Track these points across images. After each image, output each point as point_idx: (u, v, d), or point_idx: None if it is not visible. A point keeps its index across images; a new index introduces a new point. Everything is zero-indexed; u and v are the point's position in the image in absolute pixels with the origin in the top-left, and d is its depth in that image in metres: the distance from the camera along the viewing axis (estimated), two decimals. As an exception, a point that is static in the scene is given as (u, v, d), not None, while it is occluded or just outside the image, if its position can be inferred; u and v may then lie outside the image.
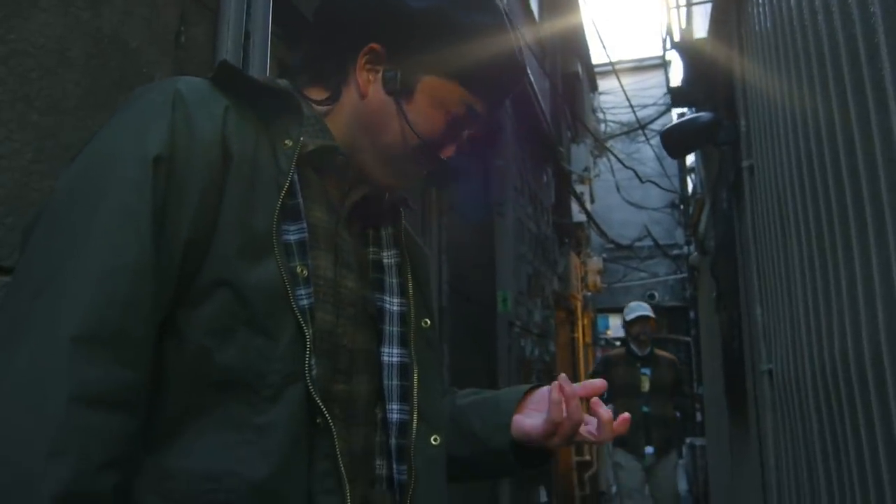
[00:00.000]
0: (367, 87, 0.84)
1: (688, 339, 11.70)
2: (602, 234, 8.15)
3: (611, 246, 11.79)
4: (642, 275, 13.27)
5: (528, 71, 4.50)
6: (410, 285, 0.89)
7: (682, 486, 4.85)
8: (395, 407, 0.81)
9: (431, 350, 0.88)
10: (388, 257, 0.88)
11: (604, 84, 12.96)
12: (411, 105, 0.83)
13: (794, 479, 2.11)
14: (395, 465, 0.79)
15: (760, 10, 2.29)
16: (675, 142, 2.71)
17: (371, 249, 0.88)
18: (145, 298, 0.66)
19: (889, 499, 1.28)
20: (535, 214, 5.07)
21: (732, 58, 2.72)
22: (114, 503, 0.62)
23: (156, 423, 0.68)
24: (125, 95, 1.14)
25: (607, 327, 13.61)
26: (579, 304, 7.28)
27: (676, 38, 3.84)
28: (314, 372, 0.73)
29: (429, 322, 0.89)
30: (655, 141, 11.29)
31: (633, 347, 4.76)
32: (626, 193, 10.80)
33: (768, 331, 2.42)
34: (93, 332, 0.62)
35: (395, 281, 0.87)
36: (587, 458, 6.79)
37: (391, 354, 0.83)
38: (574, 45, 8.91)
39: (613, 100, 12.64)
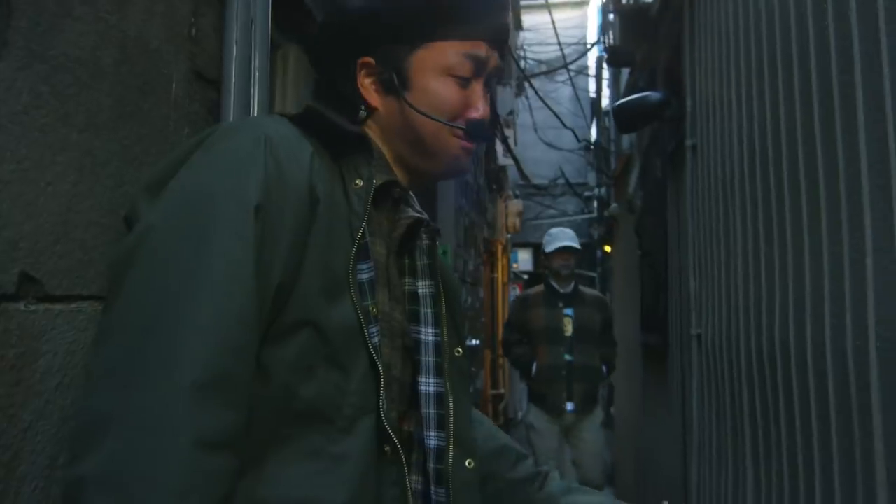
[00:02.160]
0: (374, 99, 0.89)
1: (593, 273, 12.34)
2: (524, 177, 8.33)
3: (524, 184, 12.10)
4: (552, 212, 13.74)
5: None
6: (444, 315, 0.92)
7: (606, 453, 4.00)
8: (432, 434, 0.87)
9: (463, 377, 0.94)
10: (423, 287, 0.90)
11: (526, 20, 12.92)
12: (415, 92, 0.86)
13: (717, 440, 2.39)
14: (433, 487, 0.86)
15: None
16: (625, 119, 2.84)
17: (407, 280, 0.90)
18: (251, 344, 0.70)
19: (817, 459, 1.49)
20: (473, 164, 5.15)
21: (682, 31, 2.84)
22: None
23: (250, 452, 0.72)
24: (149, 103, 1.11)
25: (515, 261, 14.08)
26: (500, 246, 7.51)
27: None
28: (384, 405, 0.78)
29: (461, 351, 0.95)
30: (572, 82, 11.51)
31: (554, 284, 3.96)
32: (542, 133, 11.04)
33: (700, 299, 2.65)
34: (209, 379, 0.66)
35: (430, 311, 0.90)
36: (502, 391, 7.18)
37: (428, 384, 0.88)
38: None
39: (535, 37, 12.68)
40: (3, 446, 0.82)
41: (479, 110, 0.88)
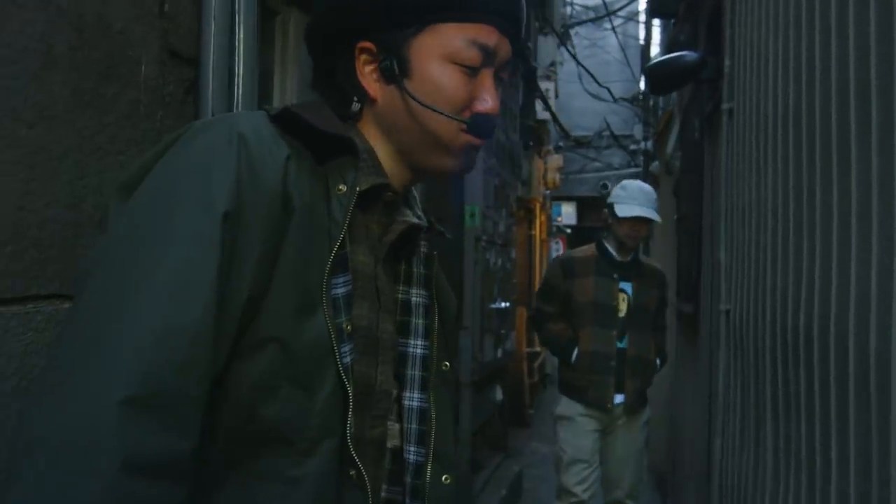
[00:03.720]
0: (374, 89, 0.81)
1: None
2: (564, 133, 8.10)
3: (565, 136, 11.79)
4: (597, 164, 13.41)
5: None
6: (435, 327, 0.88)
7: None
8: (412, 449, 0.83)
9: (448, 391, 0.90)
10: (416, 296, 0.86)
11: (572, -37, 12.36)
12: (416, 81, 0.78)
13: (741, 419, 2.31)
14: (408, 500, 0.82)
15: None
16: (659, 79, 2.67)
17: (401, 288, 0.85)
18: (201, 362, 0.65)
19: (834, 437, 1.42)
20: (504, 122, 4.99)
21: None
22: None
23: (200, 474, 0.68)
24: (113, 88, 1.06)
25: (559, 214, 13.84)
26: (538, 204, 7.38)
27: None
28: (352, 429, 0.74)
29: (448, 365, 0.90)
30: (620, 29, 11.03)
31: (610, 249, 2.97)
32: (587, 83, 10.66)
33: (730, 273, 2.53)
34: (143, 397, 0.61)
35: (421, 322, 0.85)
36: (538, 349, 7.17)
37: (412, 399, 0.84)
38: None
39: (580, -19, 12.14)
40: (-49, 454, 0.81)
41: (488, 103, 0.80)
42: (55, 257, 0.96)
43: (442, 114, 0.77)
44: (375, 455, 0.80)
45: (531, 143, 6.45)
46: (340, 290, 0.74)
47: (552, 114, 6.92)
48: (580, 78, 10.47)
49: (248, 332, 0.69)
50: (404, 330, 0.84)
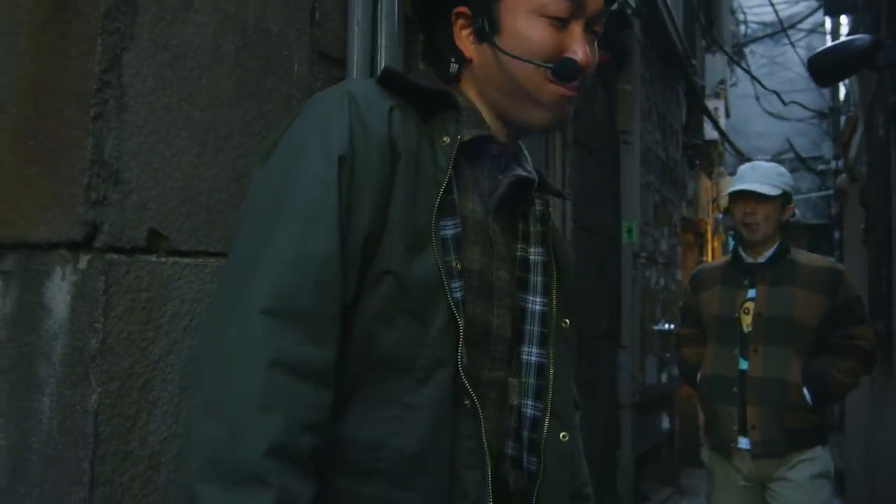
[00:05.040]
0: (469, 50, 0.86)
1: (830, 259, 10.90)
2: (738, 153, 7.62)
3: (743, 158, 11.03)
4: (782, 190, 12.38)
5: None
6: (554, 284, 0.90)
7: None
8: (529, 403, 0.86)
9: (568, 350, 0.91)
10: (534, 254, 0.89)
11: (747, -22, 11.74)
12: (506, 36, 0.82)
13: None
14: (526, 454, 0.85)
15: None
16: (824, 69, 2.46)
17: (519, 246, 0.89)
18: (333, 283, 0.73)
19: None
20: (664, 139, 4.84)
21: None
22: (311, 465, 0.70)
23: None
24: (270, 83, 1.23)
25: (739, 244, 12.89)
26: (709, 227, 6.97)
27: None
28: (464, 359, 0.78)
29: (568, 322, 0.91)
30: (803, 42, 10.21)
31: (740, 251, 2.36)
32: (767, 102, 9.94)
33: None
34: (281, 307, 0.70)
35: (539, 279, 0.88)
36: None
37: (530, 353, 0.87)
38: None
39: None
40: (136, 373, 0.99)
41: (578, 54, 0.82)
42: (221, 222, 1.13)
43: (527, 61, 0.81)
44: (498, 400, 0.84)
45: (697, 163, 6.15)
46: (450, 232, 0.80)
47: (720, 132, 6.56)
48: (757, 98, 9.82)
49: (370, 267, 0.76)
50: (524, 286, 0.87)
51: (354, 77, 1.41)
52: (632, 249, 3.88)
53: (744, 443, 2.16)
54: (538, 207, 0.90)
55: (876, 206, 3.28)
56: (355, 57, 1.41)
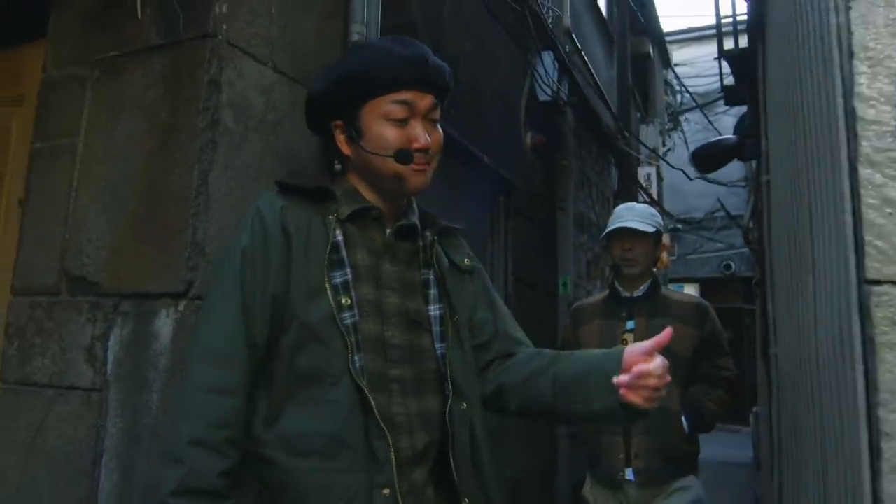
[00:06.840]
0: (346, 150, 1.16)
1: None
2: (667, 214, 8.43)
3: (680, 218, 11.95)
4: (719, 245, 13.34)
5: (591, 67, 4.92)
6: (447, 292, 1.19)
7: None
8: (448, 385, 1.14)
9: (460, 337, 1.19)
10: (428, 275, 1.18)
11: (680, 54, 12.91)
12: (367, 138, 1.11)
13: (791, 457, 2.61)
14: (437, 422, 1.13)
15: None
16: (704, 160, 3.17)
17: (422, 272, 1.18)
18: (238, 335, 1.05)
19: None
20: (596, 205, 5.55)
21: (756, 83, 3.14)
22: (228, 449, 1.00)
23: (272, 407, 1.05)
24: (293, 184, 1.80)
25: (682, 296, 13.68)
26: (644, 280, 7.65)
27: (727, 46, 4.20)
28: (357, 366, 1.05)
29: (457, 318, 1.19)
30: (734, 110, 11.27)
31: (617, 285, 2.43)
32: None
33: (777, 321, 2.89)
34: (205, 353, 1.05)
35: (434, 292, 1.18)
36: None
37: (441, 348, 1.15)
38: (645, 24, 9.11)
39: (689, 70, 12.59)
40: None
41: (420, 140, 1.10)
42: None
43: (381, 155, 1.10)
44: (408, 388, 1.11)
45: (630, 223, 6.86)
46: (338, 280, 1.08)
47: (650, 196, 7.36)
48: (691, 161, 10.76)
49: (284, 315, 1.06)
50: (426, 299, 1.17)
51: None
52: (567, 300, 4.48)
53: (629, 473, 2.23)
54: (429, 238, 1.20)
55: (759, 268, 3.98)
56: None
